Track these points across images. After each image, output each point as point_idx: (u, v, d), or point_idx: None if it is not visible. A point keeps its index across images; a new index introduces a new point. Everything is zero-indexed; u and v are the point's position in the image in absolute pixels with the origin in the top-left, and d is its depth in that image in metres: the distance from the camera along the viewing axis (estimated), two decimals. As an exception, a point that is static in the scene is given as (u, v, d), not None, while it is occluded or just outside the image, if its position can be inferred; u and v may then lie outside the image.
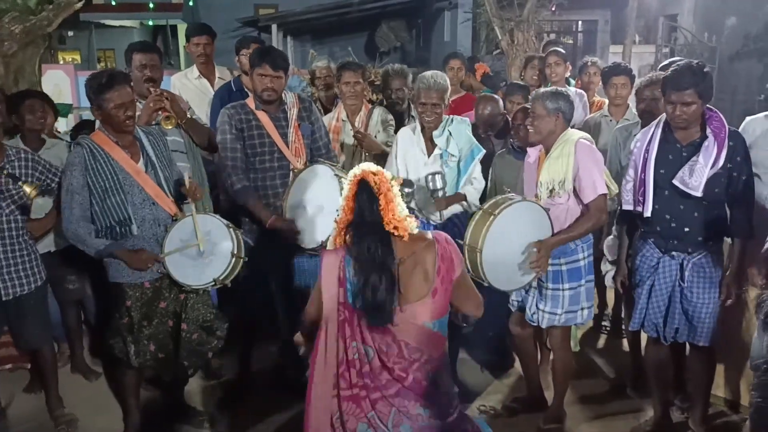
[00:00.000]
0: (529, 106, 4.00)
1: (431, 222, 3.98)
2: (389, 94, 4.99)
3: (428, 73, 3.92)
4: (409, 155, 3.98)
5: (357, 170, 2.32)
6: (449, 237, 2.45)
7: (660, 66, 5.06)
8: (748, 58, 12.08)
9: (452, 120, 3.94)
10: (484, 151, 3.95)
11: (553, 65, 5.31)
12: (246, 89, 4.54)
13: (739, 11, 12.65)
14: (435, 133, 3.88)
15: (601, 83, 5.31)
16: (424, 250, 2.35)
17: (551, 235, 3.40)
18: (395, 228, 2.28)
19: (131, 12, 18.51)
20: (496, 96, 4.82)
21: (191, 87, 4.98)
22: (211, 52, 5.02)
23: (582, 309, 3.58)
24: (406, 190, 3.79)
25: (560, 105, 3.43)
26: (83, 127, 4.41)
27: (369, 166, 2.33)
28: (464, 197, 3.90)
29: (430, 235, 2.41)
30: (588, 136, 3.56)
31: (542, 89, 3.59)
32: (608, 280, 4.24)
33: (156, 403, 3.99)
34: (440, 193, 3.73)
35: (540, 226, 3.37)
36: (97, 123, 3.59)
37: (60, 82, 8.41)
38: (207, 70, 5.04)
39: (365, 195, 2.29)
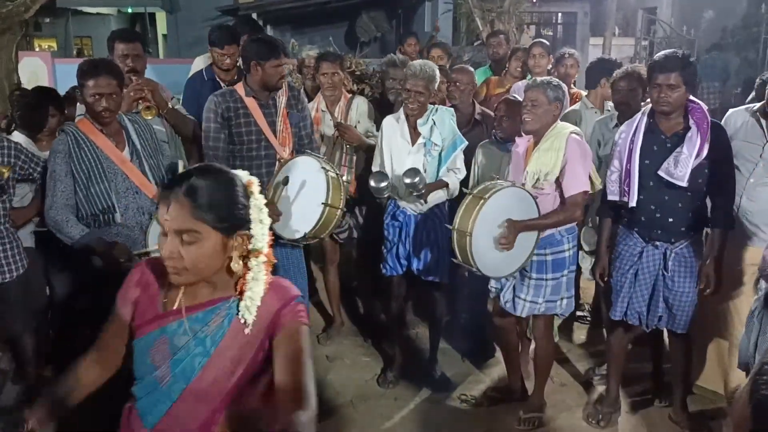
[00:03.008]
0: (512, 98, 4.02)
1: (413, 212, 3.99)
2: (392, 84, 4.84)
3: (417, 62, 3.93)
4: (393, 144, 3.98)
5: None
6: None
7: (654, 58, 5.13)
8: (726, 51, 12.20)
9: (437, 109, 3.95)
10: (467, 142, 3.97)
11: (537, 57, 5.35)
12: (218, 79, 4.47)
13: (716, 5, 12.78)
14: (419, 121, 3.88)
15: (577, 74, 5.36)
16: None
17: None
18: None
19: (109, -2, 18.28)
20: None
21: None
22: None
23: (562, 299, 3.62)
24: (382, 184, 3.81)
25: (559, 94, 3.46)
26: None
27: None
28: (446, 184, 3.92)
29: None
30: (579, 130, 3.59)
31: (540, 78, 3.60)
32: (587, 273, 4.28)
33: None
34: (422, 189, 3.76)
35: (528, 213, 3.40)
36: (79, 109, 3.57)
37: (37, 70, 8.26)
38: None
39: None
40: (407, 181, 3.73)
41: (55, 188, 3.23)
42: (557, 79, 3.59)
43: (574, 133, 3.48)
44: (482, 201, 3.27)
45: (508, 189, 3.38)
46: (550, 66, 5.42)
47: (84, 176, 3.23)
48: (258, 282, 1.72)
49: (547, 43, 5.60)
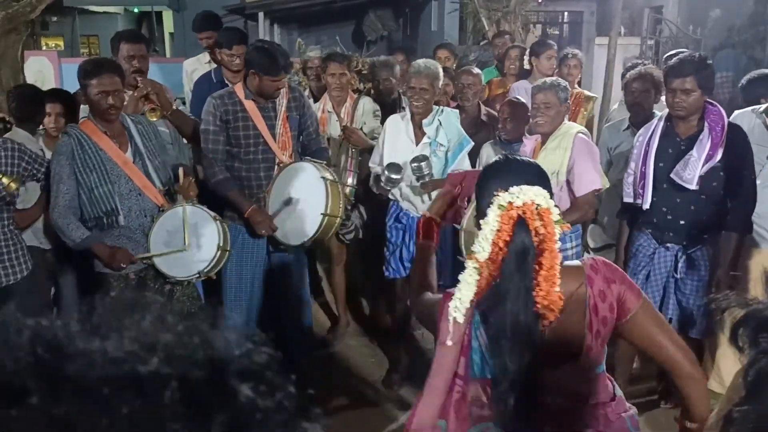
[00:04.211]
0: (516, 100, 4.02)
1: (417, 215, 3.98)
2: (377, 85, 4.98)
3: (421, 60, 3.95)
4: (398, 143, 3.98)
5: (516, 198, 1.62)
6: (608, 264, 1.82)
7: (665, 57, 5.15)
8: (732, 50, 12.15)
9: (442, 110, 3.95)
10: (473, 143, 3.97)
11: (554, 59, 5.33)
12: (226, 80, 4.46)
13: (722, 3, 12.71)
14: (425, 121, 3.88)
15: (579, 78, 5.35)
16: (572, 301, 1.71)
17: None
18: (544, 308, 1.63)
19: (115, -3, 18.32)
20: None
21: (202, 70, 4.94)
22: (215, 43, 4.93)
23: None
24: (393, 176, 3.80)
25: (567, 95, 3.51)
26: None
27: (536, 195, 1.63)
28: None
29: (580, 271, 1.78)
30: (586, 130, 3.62)
31: (549, 79, 3.61)
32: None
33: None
34: (427, 179, 3.75)
35: None
36: (83, 111, 3.57)
37: (43, 69, 8.29)
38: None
39: (522, 245, 1.62)
40: (414, 165, 3.73)
41: (58, 191, 3.23)
42: (563, 81, 3.61)
43: (581, 132, 3.50)
44: None
45: None
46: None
47: (87, 178, 3.23)
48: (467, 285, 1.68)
49: (554, 44, 5.61)
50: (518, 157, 1.84)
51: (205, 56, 5.03)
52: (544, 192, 1.64)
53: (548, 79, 3.62)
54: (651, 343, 1.81)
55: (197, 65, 5.00)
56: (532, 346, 1.65)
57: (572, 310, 1.71)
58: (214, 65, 4.92)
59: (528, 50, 5.58)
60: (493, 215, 1.63)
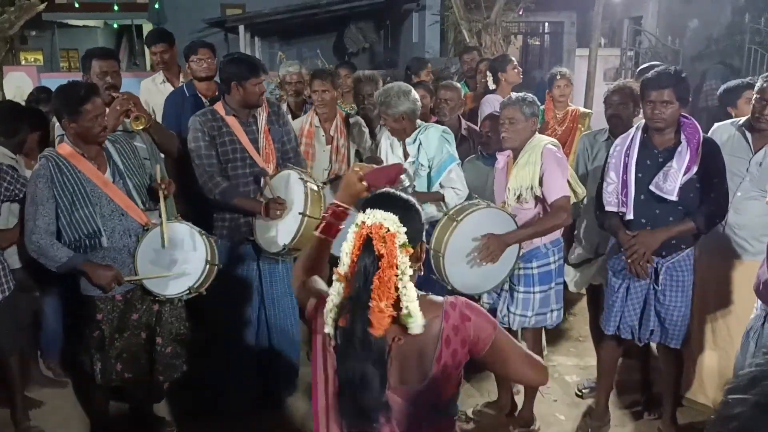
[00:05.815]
0: (497, 114, 4.04)
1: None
2: (361, 100, 4.97)
3: (380, 91, 3.96)
4: (390, 160, 4.01)
5: (367, 219, 1.76)
6: (468, 304, 1.87)
7: (638, 70, 5.17)
8: (711, 60, 12.29)
9: (426, 128, 3.95)
10: (458, 160, 3.96)
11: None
12: (199, 94, 4.46)
13: (701, 14, 12.87)
14: (408, 140, 3.90)
15: (571, 94, 5.36)
16: (425, 330, 1.78)
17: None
18: (374, 318, 1.71)
19: (95, 12, 18.22)
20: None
21: (156, 91, 4.91)
22: (170, 59, 4.90)
23: (552, 311, 3.64)
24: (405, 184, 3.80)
25: (534, 110, 3.51)
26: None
27: (384, 219, 1.75)
28: (441, 197, 3.91)
29: (440, 306, 1.84)
30: (555, 141, 3.61)
31: (515, 95, 3.62)
32: (572, 285, 4.29)
33: (124, 413, 3.93)
34: (410, 190, 3.75)
35: (506, 231, 3.40)
36: (57, 130, 3.53)
37: (23, 84, 8.22)
38: (170, 74, 4.96)
39: (367, 261, 1.73)
40: (399, 186, 3.72)
41: (37, 213, 3.18)
42: (531, 95, 3.60)
43: (550, 144, 3.51)
44: (455, 223, 3.30)
45: (483, 210, 3.39)
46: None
47: (68, 201, 3.19)
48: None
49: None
50: (396, 193, 1.90)
51: (160, 75, 4.97)
52: (395, 218, 1.74)
53: (514, 95, 3.64)
54: (506, 370, 1.96)
55: (151, 86, 4.97)
56: (376, 360, 1.73)
57: (424, 339, 1.78)
58: (168, 83, 4.91)
59: (488, 69, 5.60)
60: (350, 233, 1.78)
